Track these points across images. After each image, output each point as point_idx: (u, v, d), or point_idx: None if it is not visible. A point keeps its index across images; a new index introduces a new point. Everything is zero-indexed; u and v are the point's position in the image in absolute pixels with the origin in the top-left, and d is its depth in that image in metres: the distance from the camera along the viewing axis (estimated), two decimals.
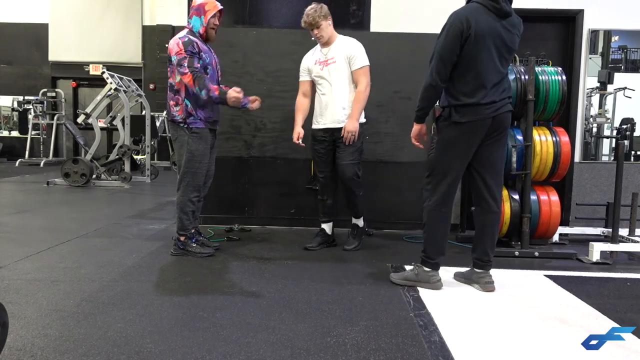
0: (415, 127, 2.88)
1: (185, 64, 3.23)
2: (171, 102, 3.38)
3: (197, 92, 3.25)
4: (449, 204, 2.79)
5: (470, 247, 2.95)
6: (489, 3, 2.62)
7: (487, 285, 2.81)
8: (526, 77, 3.68)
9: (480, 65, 2.62)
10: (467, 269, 2.98)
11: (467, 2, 2.75)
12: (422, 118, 2.83)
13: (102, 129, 8.23)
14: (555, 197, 3.83)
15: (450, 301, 2.64)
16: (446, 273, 2.99)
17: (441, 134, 2.77)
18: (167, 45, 3.37)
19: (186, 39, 3.28)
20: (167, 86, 3.46)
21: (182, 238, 3.44)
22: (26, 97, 11.81)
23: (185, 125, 3.35)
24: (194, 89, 3.25)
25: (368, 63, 3.59)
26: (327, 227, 3.84)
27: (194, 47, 3.27)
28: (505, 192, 3.75)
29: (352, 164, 3.59)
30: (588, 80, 4.41)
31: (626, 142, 4.46)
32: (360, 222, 3.84)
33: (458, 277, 3.00)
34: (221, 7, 3.39)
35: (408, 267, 3.13)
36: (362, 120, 3.65)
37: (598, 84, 4.49)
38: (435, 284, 2.80)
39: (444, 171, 2.76)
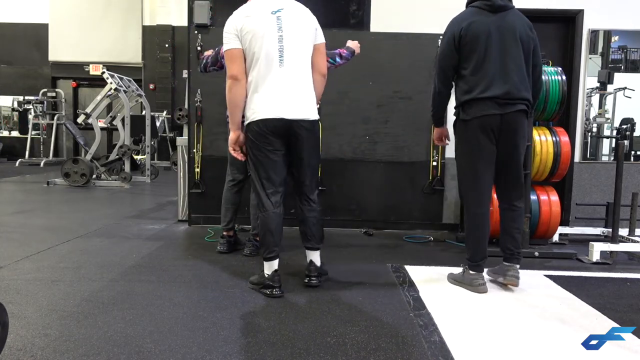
0: (436, 131, 3.09)
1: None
2: None
3: None
4: (482, 205, 2.78)
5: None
6: (481, 2, 2.72)
7: (509, 278, 2.80)
8: None
9: (478, 63, 2.68)
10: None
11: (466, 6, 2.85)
12: (438, 121, 3.01)
13: (102, 129, 8.24)
14: (555, 197, 3.84)
15: (450, 301, 2.64)
16: (447, 273, 3.00)
17: (456, 135, 2.85)
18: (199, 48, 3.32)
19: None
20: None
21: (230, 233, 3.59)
22: (26, 97, 11.82)
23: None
24: None
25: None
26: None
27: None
28: None
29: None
30: (588, 80, 4.41)
31: (626, 142, 4.46)
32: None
33: (489, 273, 2.97)
34: None
35: (407, 267, 3.14)
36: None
37: (598, 84, 4.49)
38: (477, 288, 2.75)
39: (466, 171, 2.81)
